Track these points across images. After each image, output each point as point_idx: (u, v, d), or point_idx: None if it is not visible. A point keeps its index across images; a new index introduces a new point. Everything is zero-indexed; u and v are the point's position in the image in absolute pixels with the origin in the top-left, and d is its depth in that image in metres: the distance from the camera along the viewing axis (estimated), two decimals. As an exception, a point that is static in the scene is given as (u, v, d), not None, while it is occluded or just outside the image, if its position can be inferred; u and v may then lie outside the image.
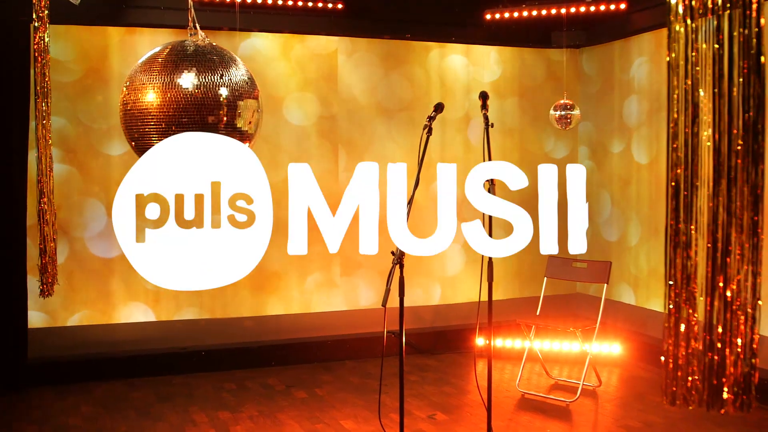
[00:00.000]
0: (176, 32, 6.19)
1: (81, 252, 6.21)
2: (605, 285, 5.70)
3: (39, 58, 3.91)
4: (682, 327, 2.48)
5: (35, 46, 3.97)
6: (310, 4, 6.53)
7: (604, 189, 7.61)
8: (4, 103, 5.69)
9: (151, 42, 6.21)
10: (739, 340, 2.44)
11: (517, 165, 8.17)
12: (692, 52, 2.41)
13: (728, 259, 2.41)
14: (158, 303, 6.50)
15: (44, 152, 4.05)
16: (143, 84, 2.98)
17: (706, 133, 2.42)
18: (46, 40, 3.95)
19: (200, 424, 5.05)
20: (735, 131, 2.37)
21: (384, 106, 7.19)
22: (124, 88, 3.09)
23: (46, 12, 3.97)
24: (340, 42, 7.03)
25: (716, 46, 2.38)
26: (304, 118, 6.93)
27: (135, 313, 6.45)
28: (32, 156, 5.58)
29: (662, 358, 2.56)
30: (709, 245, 2.44)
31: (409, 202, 4.16)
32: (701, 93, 2.41)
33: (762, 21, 2.32)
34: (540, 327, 5.69)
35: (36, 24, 3.94)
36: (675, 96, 2.43)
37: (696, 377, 2.49)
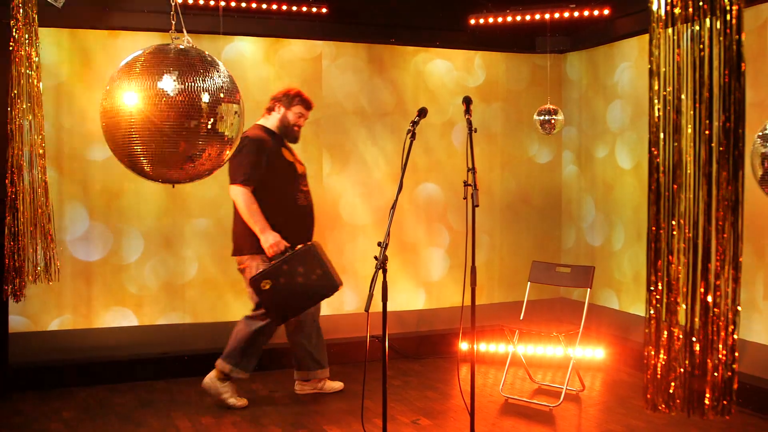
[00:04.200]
0: (160, 35, 6.17)
1: (62, 255, 6.16)
2: (588, 290, 5.71)
3: (17, 61, 3.89)
4: (664, 333, 2.48)
5: (15, 48, 3.95)
6: (294, 8, 6.53)
7: (587, 194, 7.64)
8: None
9: (135, 45, 6.18)
10: (720, 346, 2.45)
11: (500, 170, 8.24)
12: (674, 58, 2.42)
13: (709, 265, 2.42)
14: (141, 307, 6.47)
15: (19, 153, 4.04)
16: (122, 88, 2.96)
17: (686, 139, 2.43)
18: (30, 43, 3.93)
19: (182, 430, 5.02)
20: (715, 137, 2.38)
21: (368, 110, 7.19)
22: (104, 93, 3.06)
23: (26, 12, 3.95)
24: (324, 46, 7.02)
25: (698, 51, 2.39)
26: (288, 122, 6.91)
27: (117, 317, 6.42)
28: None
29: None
30: (691, 251, 2.45)
31: (393, 207, 4.15)
32: (682, 99, 2.42)
33: (742, 29, 2.34)
34: (523, 331, 5.69)
35: (13, 24, 3.92)
36: (656, 102, 2.44)
37: (677, 383, 2.49)
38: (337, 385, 5.86)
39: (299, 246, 5.20)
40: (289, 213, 5.44)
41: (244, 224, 5.34)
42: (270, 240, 5.24)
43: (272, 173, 5.41)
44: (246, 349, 5.44)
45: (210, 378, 5.47)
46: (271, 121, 5.60)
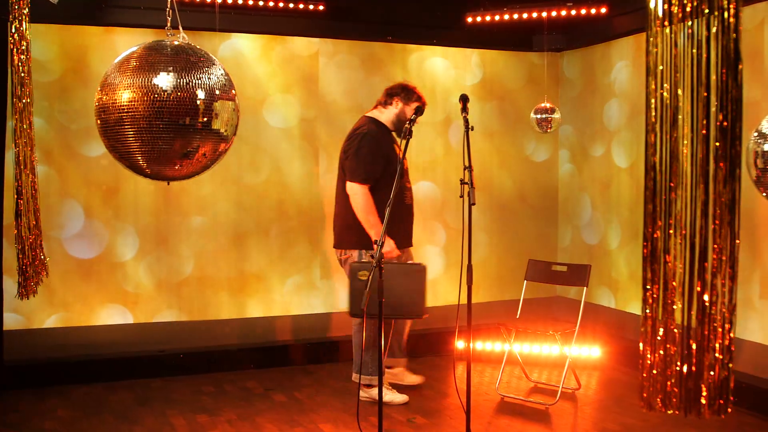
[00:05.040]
0: (156, 32, 6.14)
1: (58, 253, 6.15)
2: (585, 288, 5.71)
3: (16, 57, 3.87)
4: (660, 332, 2.48)
5: (11, 45, 3.94)
6: (291, 5, 6.51)
7: (584, 192, 7.64)
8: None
9: (131, 42, 6.15)
10: (716, 345, 2.44)
11: (497, 168, 8.22)
12: (671, 56, 2.41)
13: (706, 264, 2.42)
14: (136, 305, 6.45)
15: (22, 151, 4.02)
16: (117, 85, 2.95)
17: (683, 138, 2.42)
18: (22, 39, 3.91)
19: (178, 428, 5.01)
20: (712, 136, 2.37)
21: (365, 108, 7.15)
22: (99, 90, 3.05)
23: (25, 10, 3.94)
24: (321, 44, 7.01)
25: (695, 51, 2.38)
26: (284, 120, 6.90)
27: (113, 315, 6.40)
28: (10, 156, 5.51)
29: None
30: (687, 250, 2.44)
31: (389, 205, 4.14)
32: (679, 98, 2.41)
33: (740, 26, 2.33)
34: (520, 330, 5.69)
35: (12, 21, 3.90)
36: (653, 100, 2.43)
37: (673, 382, 2.49)
38: (416, 378, 5.86)
39: (411, 261, 5.18)
40: (396, 211, 5.28)
41: (348, 218, 5.34)
42: (386, 246, 5.24)
43: (387, 170, 5.37)
44: (372, 356, 5.45)
45: (363, 390, 5.53)
46: (386, 116, 5.53)
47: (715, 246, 2.39)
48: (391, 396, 5.46)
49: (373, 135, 5.36)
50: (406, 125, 4.40)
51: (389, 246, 5.26)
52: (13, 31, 3.93)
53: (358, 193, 5.28)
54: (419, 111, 4.61)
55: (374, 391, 5.41)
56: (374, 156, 5.31)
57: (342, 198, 5.49)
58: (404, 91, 5.50)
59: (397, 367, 5.83)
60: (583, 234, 7.68)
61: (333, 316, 7.04)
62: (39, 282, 4.24)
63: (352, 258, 5.39)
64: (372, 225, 5.28)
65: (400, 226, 5.44)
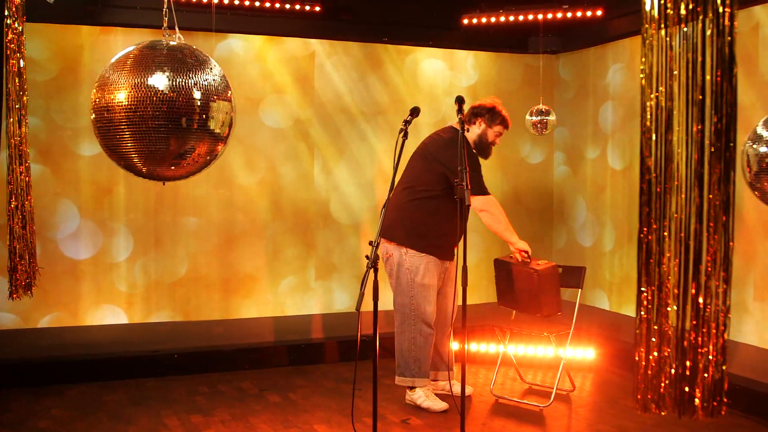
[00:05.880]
0: (152, 32, 6.15)
1: (53, 253, 6.15)
2: (579, 290, 5.71)
3: (12, 57, 3.87)
4: (654, 334, 2.48)
5: (8, 44, 3.94)
6: (287, 6, 6.52)
7: (579, 194, 7.65)
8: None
9: (127, 42, 6.17)
10: (710, 347, 2.45)
11: (493, 170, 8.23)
12: (666, 59, 2.42)
13: (700, 266, 2.42)
14: (131, 305, 6.45)
15: (15, 151, 4.01)
16: (113, 85, 2.95)
17: (678, 141, 2.43)
18: (18, 38, 3.91)
19: (172, 428, 5.00)
20: (707, 138, 2.38)
21: (360, 109, 7.19)
22: (94, 90, 3.05)
23: (22, 10, 3.94)
24: (318, 44, 7.02)
25: (690, 54, 2.39)
26: (280, 120, 6.91)
27: (107, 315, 6.40)
28: (3, 155, 5.51)
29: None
30: (682, 252, 2.45)
31: (385, 205, 4.15)
32: (674, 100, 2.42)
33: (735, 31, 2.34)
34: (514, 331, 5.69)
35: (8, 21, 3.90)
36: (648, 103, 2.44)
37: (668, 384, 2.49)
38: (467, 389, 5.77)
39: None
40: (451, 221, 5.27)
41: (404, 216, 5.27)
42: (526, 245, 5.37)
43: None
44: (416, 358, 5.41)
45: (407, 393, 5.49)
46: (470, 134, 5.44)
47: (710, 248, 2.40)
48: (429, 402, 5.39)
49: (472, 151, 5.37)
50: (402, 125, 4.40)
51: (524, 245, 5.38)
52: (9, 30, 3.93)
53: (492, 205, 5.29)
54: (415, 111, 4.60)
55: (415, 395, 5.40)
56: (478, 163, 5.33)
57: (405, 202, 5.36)
58: (489, 113, 5.40)
59: (442, 380, 5.72)
60: (577, 236, 7.69)
61: (327, 317, 7.04)
62: (32, 283, 4.23)
63: (395, 258, 5.34)
64: (507, 228, 5.37)
65: (452, 238, 5.37)
